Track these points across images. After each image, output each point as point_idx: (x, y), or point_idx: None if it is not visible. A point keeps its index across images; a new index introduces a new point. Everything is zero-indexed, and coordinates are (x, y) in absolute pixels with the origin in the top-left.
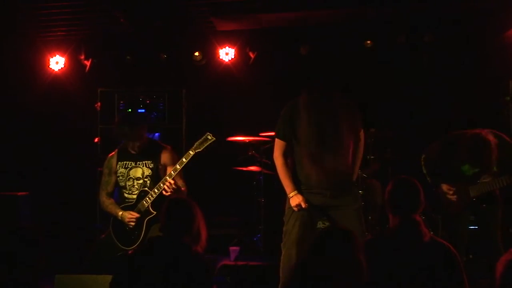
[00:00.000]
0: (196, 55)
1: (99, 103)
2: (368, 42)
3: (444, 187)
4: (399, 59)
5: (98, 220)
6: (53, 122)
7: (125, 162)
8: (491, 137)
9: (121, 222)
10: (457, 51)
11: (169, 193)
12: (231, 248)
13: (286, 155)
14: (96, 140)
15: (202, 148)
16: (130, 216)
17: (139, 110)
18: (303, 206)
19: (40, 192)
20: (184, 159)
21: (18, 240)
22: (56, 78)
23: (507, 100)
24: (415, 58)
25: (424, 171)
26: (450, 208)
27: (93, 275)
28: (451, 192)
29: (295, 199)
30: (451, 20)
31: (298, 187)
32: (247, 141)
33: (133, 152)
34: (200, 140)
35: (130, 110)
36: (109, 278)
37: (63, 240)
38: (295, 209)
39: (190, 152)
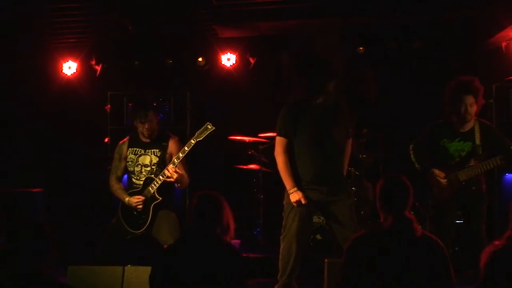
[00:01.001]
0: (200, 61)
1: (109, 105)
2: (361, 48)
3: (436, 171)
4: (390, 64)
5: (105, 215)
6: (66, 123)
7: (135, 149)
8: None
9: (129, 207)
10: (444, 56)
11: (172, 178)
12: (233, 241)
13: (287, 152)
14: (106, 140)
15: (202, 137)
16: (136, 200)
17: None
18: (303, 202)
19: (53, 189)
20: (186, 148)
21: (33, 234)
22: (69, 82)
23: (490, 102)
24: (405, 63)
25: (413, 159)
26: (441, 193)
27: (104, 267)
28: (442, 176)
29: (295, 195)
30: (439, 28)
31: (298, 184)
32: (247, 141)
33: (143, 140)
34: (201, 129)
35: None
36: (119, 269)
37: (74, 234)
38: (295, 204)
39: (192, 141)
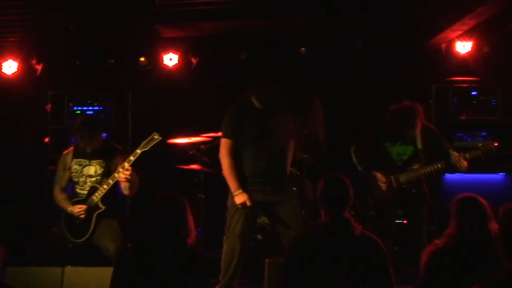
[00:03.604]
0: (142, 60)
1: (50, 105)
2: (303, 49)
3: (378, 175)
4: (331, 65)
5: (45, 216)
6: (6, 122)
7: (79, 160)
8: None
9: (72, 216)
10: (384, 58)
11: (123, 179)
12: None
13: (232, 153)
14: (46, 140)
15: (148, 147)
16: (78, 209)
17: (88, 112)
18: (248, 204)
19: None
20: (131, 157)
21: None
22: (9, 82)
23: (430, 103)
24: (346, 64)
25: (355, 162)
26: (382, 195)
27: (43, 268)
28: (383, 180)
29: (240, 198)
30: (379, 29)
31: (243, 185)
32: (189, 142)
33: (88, 150)
34: (147, 140)
35: (79, 111)
36: (58, 270)
37: (13, 236)
38: (240, 207)
39: (137, 150)
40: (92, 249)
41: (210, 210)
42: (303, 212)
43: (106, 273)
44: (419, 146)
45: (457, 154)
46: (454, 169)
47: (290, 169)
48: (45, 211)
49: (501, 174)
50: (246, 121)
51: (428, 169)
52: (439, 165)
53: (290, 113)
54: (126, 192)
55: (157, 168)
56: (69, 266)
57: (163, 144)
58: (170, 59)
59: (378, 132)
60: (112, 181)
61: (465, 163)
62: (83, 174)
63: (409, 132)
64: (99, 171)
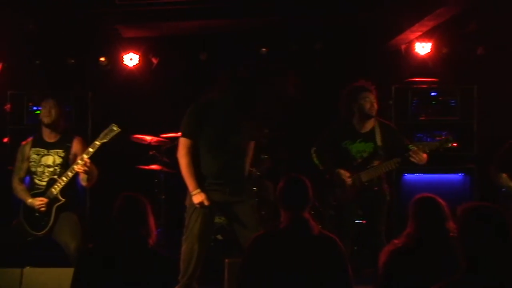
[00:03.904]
0: (102, 60)
1: (9, 105)
2: (264, 49)
3: (341, 171)
4: (292, 65)
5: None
6: None
7: (38, 149)
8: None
9: (31, 208)
10: (345, 58)
11: (82, 171)
12: None
13: (190, 153)
14: (5, 140)
15: (108, 139)
16: (39, 202)
17: None
18: (206, 203)
19: None
20: (90, 149)
21: None
22: None
23: (389, 104)
24: (307, 64)
25: (316, 162)
26: (344, 195)
27: (1, 269)
28: (347, 175)
29: (198, 197)
30: (340, 30)
31: (201, 185)
32: (149, 141)
33: (47, 140)
34: (106, 131)
35: (39, 112)
36: (17, 271)
37: None
38: (198, 206)
39: (96, 142)
40: (51, 248)
41: (170, 210)
42: (263, 213)
43: (66, 273)
44: (379, 143)
45: (415, 148)
46: (414, 164)
47: (250, 170)
48: (2, 210)
49: (460, 174)
50: (206, 121)
51: (389, 166)
52: (399, 160)
53: (253, 112)
54: (84, 183)
55: (117, 168)
56: (28, 267)
57: (123, 144)
58: (131, 59)
59: (337, 130)
60: (71, 173)
61: (425, 155)
62: (41, 164)
63: (364, 103)
64: (58, 161)
